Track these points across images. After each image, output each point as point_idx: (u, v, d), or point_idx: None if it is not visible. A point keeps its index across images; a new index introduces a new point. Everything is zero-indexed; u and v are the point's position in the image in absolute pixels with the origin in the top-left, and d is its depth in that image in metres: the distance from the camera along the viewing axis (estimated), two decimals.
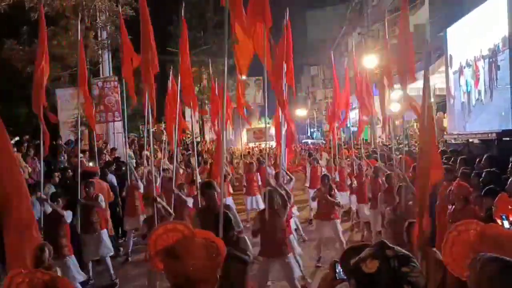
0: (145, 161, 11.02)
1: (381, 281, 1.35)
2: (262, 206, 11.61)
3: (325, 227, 7.83)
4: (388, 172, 8.17)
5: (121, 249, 9.28)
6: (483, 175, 6.14)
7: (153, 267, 2.21)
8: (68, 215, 6.59)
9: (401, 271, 1.35)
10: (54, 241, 5.60)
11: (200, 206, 6.58)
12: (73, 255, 6.51)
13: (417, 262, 1.40)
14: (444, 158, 8.91)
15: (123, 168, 10.42)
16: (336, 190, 8.27)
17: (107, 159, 11.52)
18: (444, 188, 6.28)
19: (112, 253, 7.83)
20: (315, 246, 8.06)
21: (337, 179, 12.27)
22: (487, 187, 5.26)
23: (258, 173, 12.37)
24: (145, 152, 11.41)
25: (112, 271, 7.56)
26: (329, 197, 7.74)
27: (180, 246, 2.06)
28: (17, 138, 11.29)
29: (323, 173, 9.85)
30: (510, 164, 6.47)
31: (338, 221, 7.97)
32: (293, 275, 5.78)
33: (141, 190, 9.17)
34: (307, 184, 12.50)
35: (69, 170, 9.18)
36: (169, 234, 2.13)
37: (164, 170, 10.18)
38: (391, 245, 1.45)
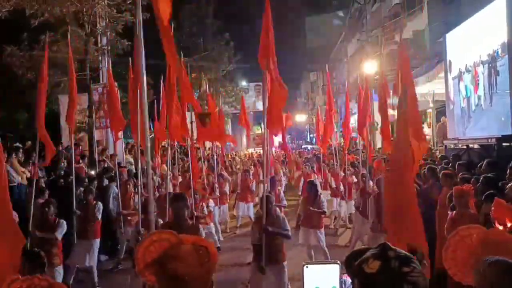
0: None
1: (382, 281, 1.38)
2: (252, 214, 11.68)
3: (310, 235, 7.80)
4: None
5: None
6: (479, 181, 6.14)
7: (144, 280, 2.17)
8: (61, 227, 6.41)
9: (402, 271, 1.38)
10: (45, 249, 5.40)
11: (168, 220, 6.38)
12: (61, 265, 6.37)
13: (418, 264, 1.43)
14: (443, 164, 8.91)
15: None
16: (322, 197, 8.18)
17: (106, 165, 11.51)
18: (444, 194, 6.27)
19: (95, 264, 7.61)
20: (307, 253, 7.98)
21: (333, 184, 12.31)
22: (487, 192, 5.26)
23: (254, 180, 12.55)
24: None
25: (96, 279, 7.44)
26: (310, 208, 7.65)
27: (170, 255, 2.03)
28: (17, 144, 11.28)
29: (309, 180, 9.65)
30: (508, 170, 6.46)
31: (322, 230, 7.92)
32: (284, 285, 5.68)
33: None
34: (299, 193, 12.48)
35: (71, 176, 9.16)
36: (156, 245, 2.10)
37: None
38: (393, 247, 1.48)
